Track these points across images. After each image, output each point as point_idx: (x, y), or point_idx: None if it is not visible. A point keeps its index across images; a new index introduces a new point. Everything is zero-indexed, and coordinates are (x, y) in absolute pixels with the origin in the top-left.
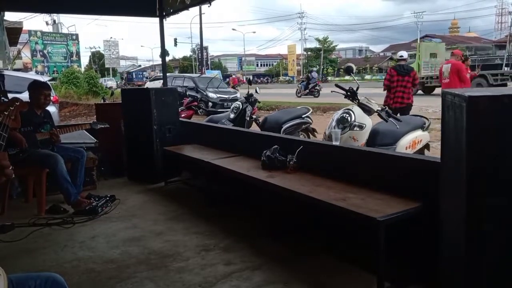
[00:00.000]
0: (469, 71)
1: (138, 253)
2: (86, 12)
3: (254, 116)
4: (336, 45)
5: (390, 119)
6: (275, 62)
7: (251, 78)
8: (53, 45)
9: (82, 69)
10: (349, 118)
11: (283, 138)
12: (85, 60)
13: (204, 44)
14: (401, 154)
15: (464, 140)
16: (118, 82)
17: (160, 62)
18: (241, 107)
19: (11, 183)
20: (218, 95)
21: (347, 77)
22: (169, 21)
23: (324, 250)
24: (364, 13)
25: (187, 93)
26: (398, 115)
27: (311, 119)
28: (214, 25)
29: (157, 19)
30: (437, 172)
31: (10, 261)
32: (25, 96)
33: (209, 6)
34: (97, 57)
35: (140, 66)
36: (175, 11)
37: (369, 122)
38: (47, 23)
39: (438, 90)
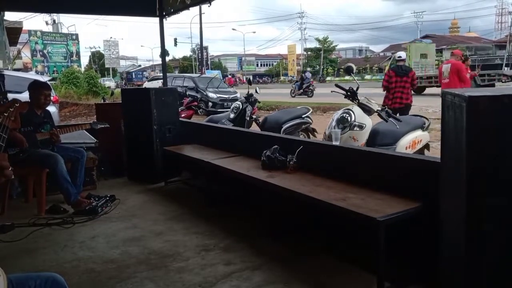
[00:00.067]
0: (469, 71)
1: (138, 253)
2: (86, 12)
3: (254, 116)
4: (336, 45)
5: (390, 119)
6: (275, 62)
7: (251, 78)
8: (53, 45)
9: (82, 69)
10: (349, 118)
11: (283, 138)
12: (85, 60)
13: (204, 44)
14: (401, 154)
15: (464, 140)
16: (118, 82)
17: (160, 62)
18: (241, 107)
19: (11, 183)
20: (218, 95)
21: (347, 77)
22: (169, 21)
23: (324, 250)
24: (364, 13)
25: (187, 93)
26: (397, 115)
27: (311, 119)
28: (214, 25)
29: (157, 19)
30: (437, 172)
31: (10, 261)
32: (25, 96)
33: (209, 6)
34: (97, 57)
35: (140, 66)
36: (175, 11)
37: (369, 122)
38: (47, 23)
39: (428, 90)
